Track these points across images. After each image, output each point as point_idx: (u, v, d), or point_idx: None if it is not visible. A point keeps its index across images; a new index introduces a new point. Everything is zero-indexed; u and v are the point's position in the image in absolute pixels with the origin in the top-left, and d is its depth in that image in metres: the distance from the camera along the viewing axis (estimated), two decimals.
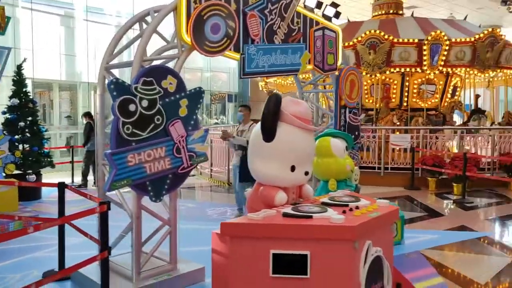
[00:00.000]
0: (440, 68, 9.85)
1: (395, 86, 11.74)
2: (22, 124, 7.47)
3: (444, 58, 9.73)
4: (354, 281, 2.75)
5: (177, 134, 3.50)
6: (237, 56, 3.99)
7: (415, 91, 11.75)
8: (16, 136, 7.50)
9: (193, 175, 11.06)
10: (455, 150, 10.04)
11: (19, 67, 7.70)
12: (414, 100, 11.74)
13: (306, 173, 3.28)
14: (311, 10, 4.85)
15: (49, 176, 8.87)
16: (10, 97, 7.65)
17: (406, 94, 11.72)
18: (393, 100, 11.79)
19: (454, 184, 8.20)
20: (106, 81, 3.57)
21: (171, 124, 3.46)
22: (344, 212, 2.99)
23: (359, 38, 9.93)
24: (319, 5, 4.89)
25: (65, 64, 13.46)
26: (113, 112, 3.12)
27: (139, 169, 3.27)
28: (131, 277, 3.40)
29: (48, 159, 7.90)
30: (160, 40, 3.84)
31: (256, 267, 2.71)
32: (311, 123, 3.39)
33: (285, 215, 2.86)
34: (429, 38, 9.60)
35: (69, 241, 4.03)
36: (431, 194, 8.37)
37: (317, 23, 4.91)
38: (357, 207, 3.14)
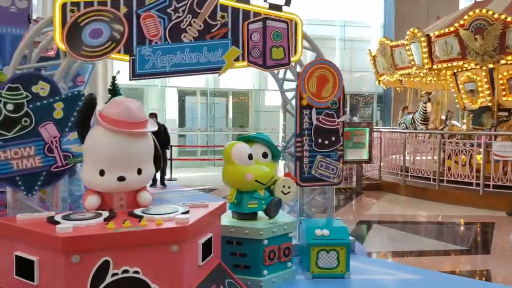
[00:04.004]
0: None
1: None
2: None
3: None
4: None
5: (48, 135, 3.78)
6: (127, 58, 3.99)
7: None
8: None
9: None
10: None
11: (114, 78, 9.23)
12: None
13: (120, 179, 3.11)
14: (246, 1, 4.33)
15: None
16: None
17: None
18: None
19: None
20: None
21: (42, 126, 3.77)
22: (106, 221, 2.76)
23: (462, 22, 7.99)
24: None
25: None
26: None
27: (5, 165, 3.69)
28: None
29: None
30: None
31: (6, 267, 2.77)
32: (138, 125, 3.18)
33: (48, 220, 2.82)
34: None
35: None
36: None
37: (258, 14, 4.37)
38: (139, 220, 2.83)
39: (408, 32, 9.16)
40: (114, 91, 9.24)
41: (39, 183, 3.81)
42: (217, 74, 4.34)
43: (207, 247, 3.13)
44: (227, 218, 3.89)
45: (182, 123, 16.19)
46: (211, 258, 3.22)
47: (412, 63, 9.33)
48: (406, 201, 8.02)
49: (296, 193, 4.22)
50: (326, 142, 4.68)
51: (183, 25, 4.13)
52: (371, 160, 9.10)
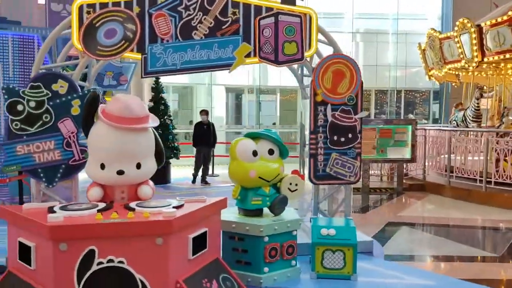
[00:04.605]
0: None
1: None
2: None
3: None
4: (67, 285, 2.67)
5: (66, 130, 4.04)
6: (139, 56, 4.13)
7: None
8: None
9: None
10: None
11: (157, 78, 9.56)
12: None
13: (120, 173, 3.24)
14: None
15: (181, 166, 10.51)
16: (150, 101, 9.66)
17: None
18: None
19: None
20: None
21: (61, 122, 4.03)
22: (102, 213, 2.89)
23: None
24: None
25: None
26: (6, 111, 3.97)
27: (28, 158, 3.99)
28: None
29: (175, 151, 9.57)
30: None
31: (13, 251, 3.01)
32: (137, 121, 3.29)
33: (48, 210, 3.01)
34: None
35: None
36: None
37: (271, 9, 4.32)
38: (128, 211, 2.94)
39: (457, 23, 8.59)
40: (157, 89, 9.60)
41: (59, 175, 4.08)
42: (233, 70, 4.34)
43: (200, 242, 3.17)
44: (232, 214, 3.91)
45: (238, 120, 16.46)
46: (206, 253, 3.25)
47: (461, 56, 8.74)
48: (449, 203, 7.54)
49: (304, 191, 4.12)
50: (343, 139, 4.53)
51: (194, 23, 4.20)
52: (414, 159, 8.66)
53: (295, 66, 5.02)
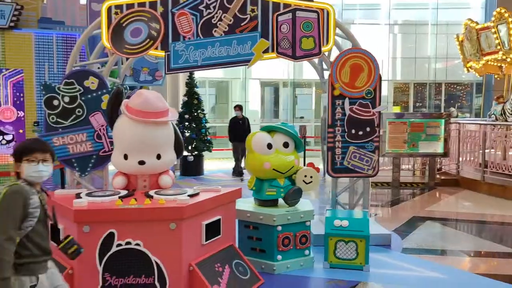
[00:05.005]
0: None
1: None
2: (187, 116, 9.65)
3: None
4: (90, 265, 2.96)
5: (97, 123, 4.35)
6: (163, 54, 4.36)
7: None
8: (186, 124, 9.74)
9: None
10: None
11: (191, 73, 9.86)
12: None
13: (141, 163, 3.49)
14: None
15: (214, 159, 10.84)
16: (184, 95, 9.99)
17: None
18: None
19: None
20: None
21: (92, 115, 4.35)
22: (123, 200, 3.15)
23: None
24: None
25: None
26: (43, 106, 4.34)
27: (63, 149, 4.35)
28: None
29: (208, 145, 9.86)
30: None
31: None
32: (156, 115, 3.52)
33: (76, 196, 3.30)
34: None
35: None
36: None
37: (288, 5, 4.42)
38: (146, 198, 3.18)
39: (494, 13, 8.27)
40: (191, 84, 9.91)
41: (90, 165, 4.42)
42: (251, 66, 4.50)
43: (213, 228, 3.37)
44: (248, 204, 4.08)
45: (275, 114, 16.56)
46: (220, 239, 3.45)
47: (499, 47, 8.41)
48: (481, 199, 7.34)
49: (318, 183, 4.21)
50: (360, 133, 4.58)
51: (214, 21, 4.38)
52: (447, 154, 8.46)
53: (316, 60, 5.11)
